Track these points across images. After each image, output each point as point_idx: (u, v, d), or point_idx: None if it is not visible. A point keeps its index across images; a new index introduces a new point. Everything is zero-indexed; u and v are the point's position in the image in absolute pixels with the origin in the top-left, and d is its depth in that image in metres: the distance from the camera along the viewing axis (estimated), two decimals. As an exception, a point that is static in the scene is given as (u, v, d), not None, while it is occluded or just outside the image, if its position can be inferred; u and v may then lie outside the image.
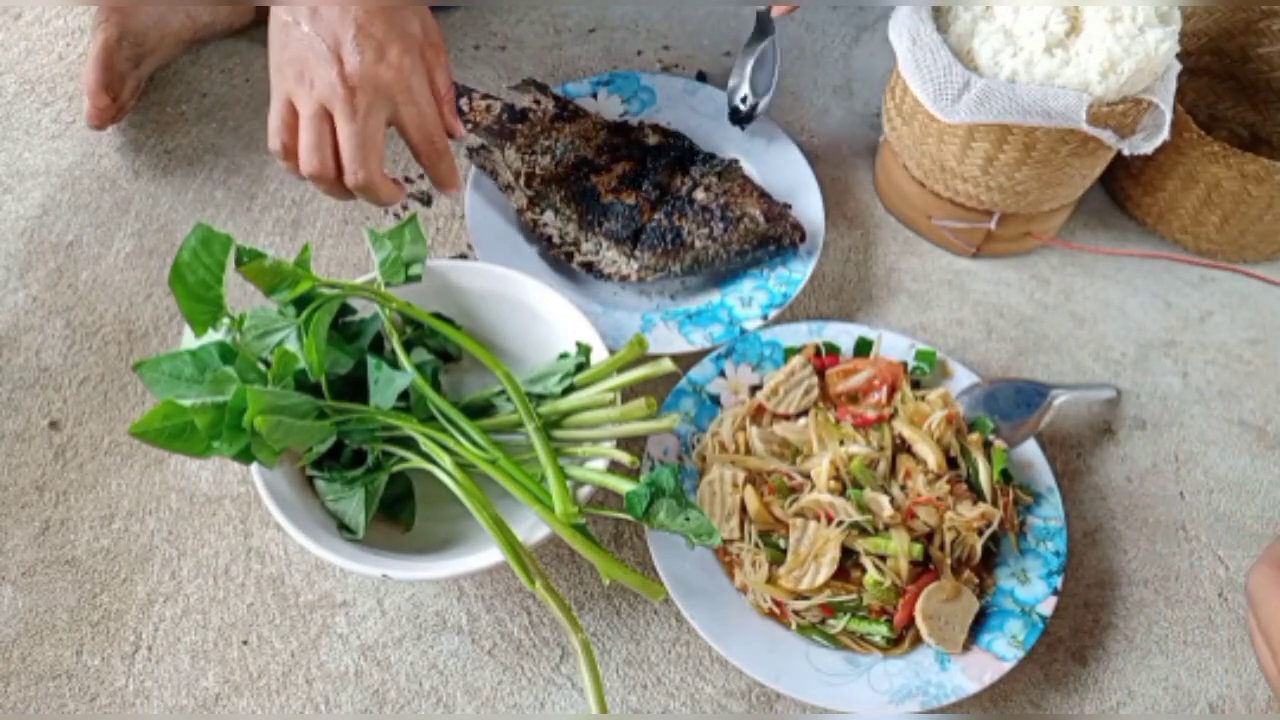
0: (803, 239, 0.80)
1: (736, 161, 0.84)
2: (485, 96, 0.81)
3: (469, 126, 0.80)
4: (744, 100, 0.85)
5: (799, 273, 0.80)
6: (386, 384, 0.62)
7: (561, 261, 0.80)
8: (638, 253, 0.78)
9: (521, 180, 0.79)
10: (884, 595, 0.64)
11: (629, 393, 0.63)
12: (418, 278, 0.67)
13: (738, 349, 0.76)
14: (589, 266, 0.79)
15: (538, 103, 0.82)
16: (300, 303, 0.61)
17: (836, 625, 0.65)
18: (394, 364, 0.65)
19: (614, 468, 0.62)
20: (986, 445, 0.72)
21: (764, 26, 0.86)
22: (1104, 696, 0.69)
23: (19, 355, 0.76)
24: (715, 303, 0.79)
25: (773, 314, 0.78)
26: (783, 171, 0.87)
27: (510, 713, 0.65)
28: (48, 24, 0.96)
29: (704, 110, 0.90)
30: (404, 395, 0.66)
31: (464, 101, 0.81)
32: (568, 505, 0.59)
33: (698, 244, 0.78)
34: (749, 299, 0.79)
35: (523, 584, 0.59)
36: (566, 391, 0.66)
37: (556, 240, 0.79)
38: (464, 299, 0.72)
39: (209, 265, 0.59)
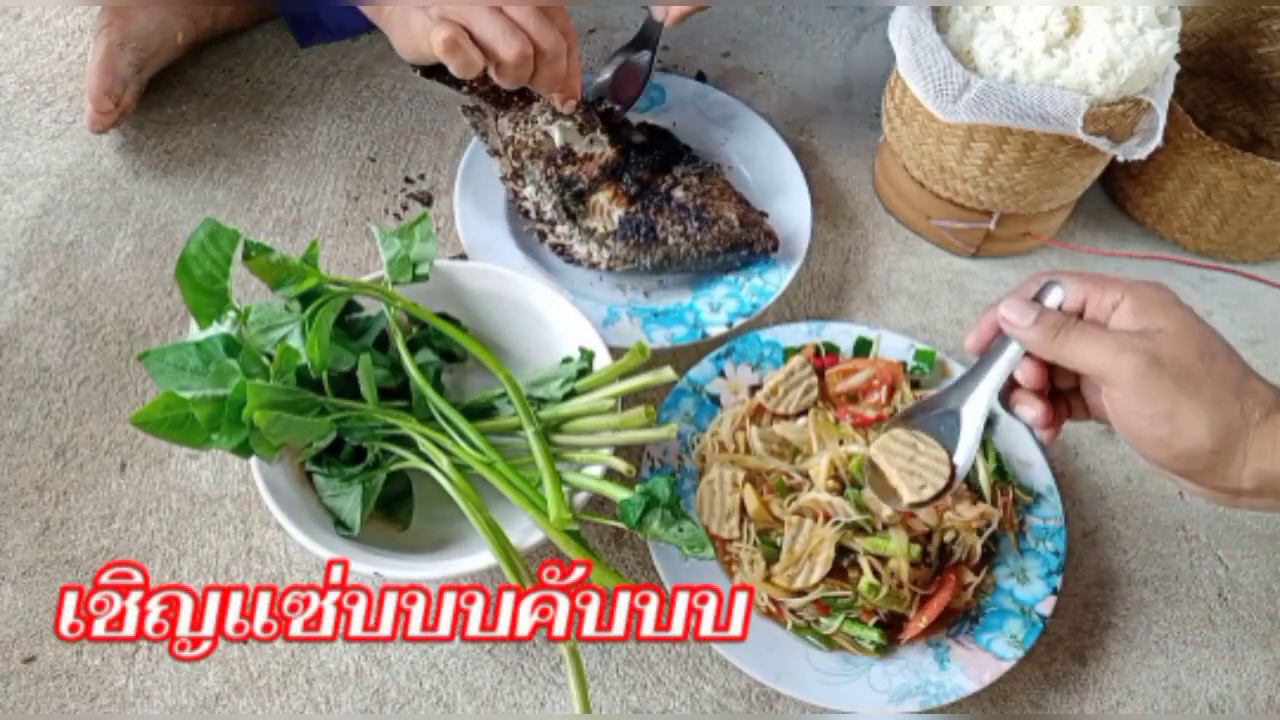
0: (775, 248, 0.80)
1: (719, 165, 0.84)
2: None
3: (465, 90, 0.79)
4: (600, 102, 0.83)
5: (773, 285, 0.80)
6: (366, 375, 0.63)
7: (536, 241, 0.80)
8: (609, 242, 0.78)
9: (509, 151, 0.80)
10: (884, 601, 0.64)
11: (631, 399, 0.63)
12: (425, 277, 0.67)
13: (737, 349, 0.76)
14: (561, 250, 0.79)
15: None
16: (306, 298, 0.61)
17: (830, 625, 0.65)
18: (397, 363, 0.65)
19: (611, 475, 0.62)
20: (984, 445, 0.72)
21: (646, 37, 0.85)
22: (1103, 696, 0.69)
23: (19, 355, 0.76)
24: (684, 304, 0.79)
25: (739, 323, 0.77)
26: (777, 177, 0.87)
27: (510, 712, 0.65)
28: (48, 24, 0.96)
29: (711, 115, 0.90)
30: (405, 394, 0.66)
31: None
32: (562, 511, 0.59)
33: (670, 240, 0.78)
34: (718, 305, 0.79)
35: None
36: (568, 396, 0.66)
37: (534, 216, 0.80)
38: (470, 300, 0.72)
39: (215, 259, 0.59)
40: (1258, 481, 0.52)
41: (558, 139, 0.79)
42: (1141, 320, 0.55)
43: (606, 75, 0.87)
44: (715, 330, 0.77)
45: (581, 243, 0.79)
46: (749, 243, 0.79)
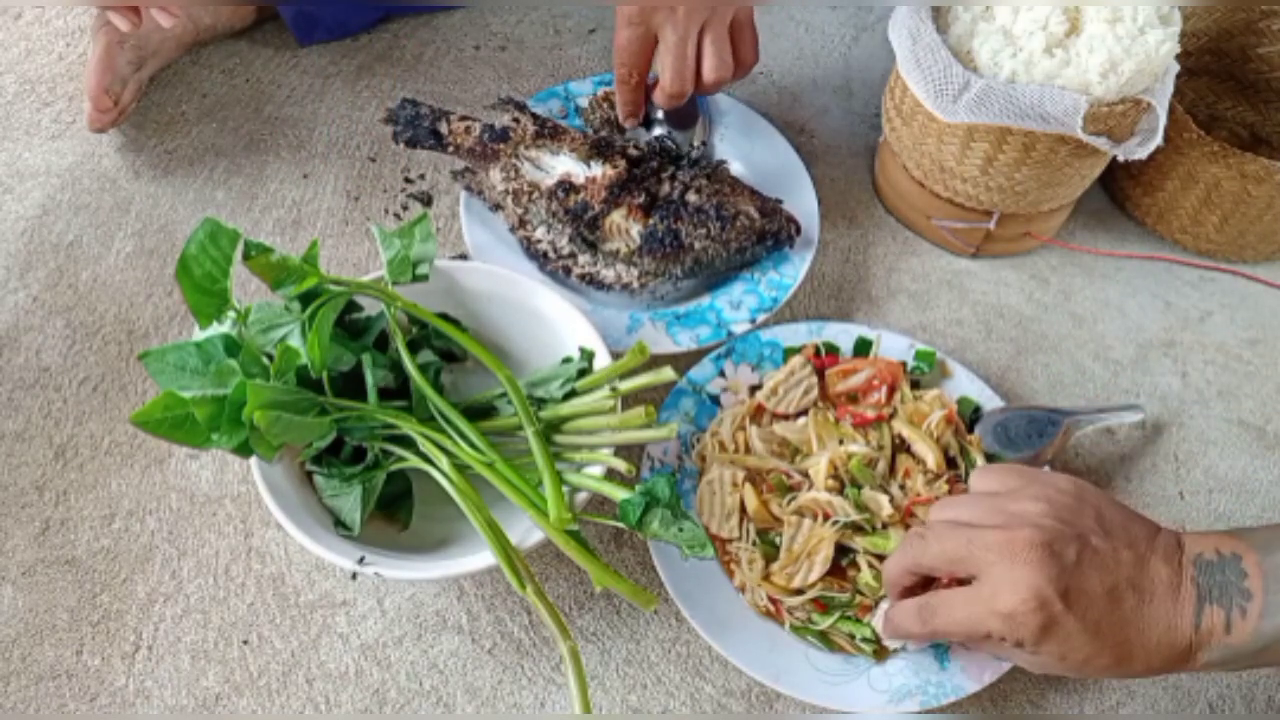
0: (798, 231, 0.80)
1: (724, 162, 0.84)
2: (464, 118, 0.80)
3: (450, 150, 0.80)
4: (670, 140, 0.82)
5: (790, 278, 0.80)
6: (369, 378, 0.63)
7: (560, 276, 0.79)
8: (637, 259, 0.78)
9: (510, 199, 0.79)
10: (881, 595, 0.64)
11: (631, 399, 0.63)
12: (425, 277, 0.67)
13: (737, 349, 0.76)
14: (590, 279, 0.79)
15: (517, 121, 0.81)
16: (306, 298, 0.61)
17: (824, 622, 0.65)
18: (397, 363, 0.65)
19: (611, 475, 0.62)
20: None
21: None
22: (1104, 696, 0.69)
23: (19, 355, 0.76)
24: (704, 305, 0.79)
25: (761, 318, 0.78)
26: (778, 174, 0.87)
27: (510, 712, 0.65)
28: (48, 24, 0.96)
29: (703, 111, 0.90)
30: (405, 394, 0.66)
31: (443, 124, 0.80)
32: (562, 511, 0.59)
33: (697, 245, 0.78)
34: (739, 302, 0.79)
35: (523, 584, 0.59)
36: (568, 396, 0.66)
37: (552, 255, 0.79)
38: (470, 300, 0.72)
39: (216, 258, 0.59)
40: (1218, 657, 0.53)
41: (558, 171, 0.79)
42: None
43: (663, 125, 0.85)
44: (740, 327, 0.77)
45: (607, 266, 0.78)
46: (774, 232, 0.79)
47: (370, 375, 0.63)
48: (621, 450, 0.64)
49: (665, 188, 0.80)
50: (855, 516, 0.65)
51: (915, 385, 0.75)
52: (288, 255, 0.60)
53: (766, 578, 0.66)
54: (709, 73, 0.76)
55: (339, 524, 0.63)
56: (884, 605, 0.64)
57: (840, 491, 0.67)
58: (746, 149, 0.88)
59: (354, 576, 0.57)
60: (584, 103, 0.88)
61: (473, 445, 0.62)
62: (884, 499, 0.66)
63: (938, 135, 0.79)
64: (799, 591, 0.65)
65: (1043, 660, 0.53)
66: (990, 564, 0.53)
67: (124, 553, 0.69)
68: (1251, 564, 0.52)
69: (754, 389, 0.75)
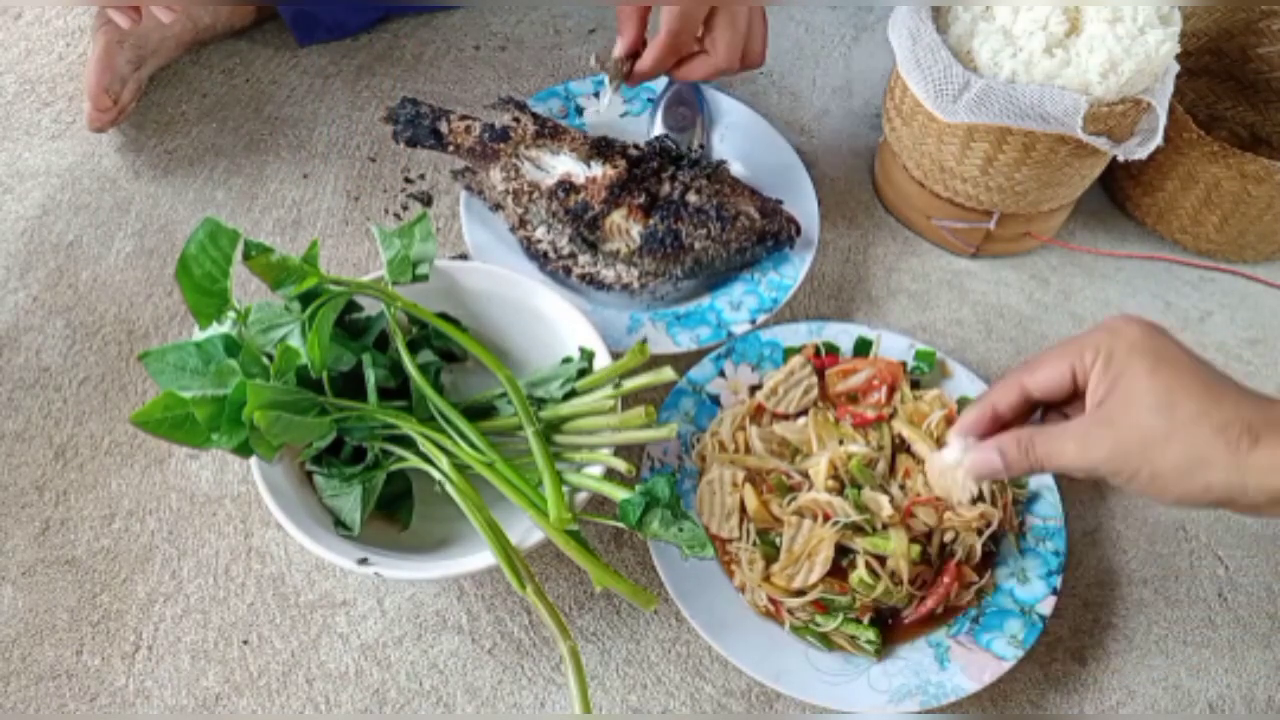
0: (798, 232, 0.80)
1: (724, 162, 0.84)
2: (464, 118, 0.80)
3: (450, 149, 0.80)
4: (671, 141, 0.82)
5: (790, 278, 0.80)
6: (369, 378, 0.63)
7: (561, 276, 0.79)
8: (637, 259, 0.78)
9: (510, 199, 0.79)
10: (882, 595, 0.64)
11: (631, 399, 0.63)
12: (425, 277, 0.67)
13: (737, 349, 0.76)
14: (589, 279, 0.79)
15: (517, 120, 0.81)
16: (306, 298, 0.61)
17: (827, 625, 0.65)
18: (397, 363, 0.65)
19: (611, 475, 0.62)
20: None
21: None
22: (1103, 696, 0.69)
23: (19, 355, 0.76)
24: (704, 305, 0.79)
25: (761, 319, 0.78)
26: (778, 174, 0.87)
27: (510, 712, 0.65)
28: (48, 24, 0.96)
29: (701, 111, 0.90)
30: (405, 394, 0.66)
31: (443, 124, 0.80)
32: (562, 511, 0.59)
33: (697, 245, 0.78)
34: (739, 303, 0.79)
35: (522, 584, 0.59)
36: (568, 396, 0.66)
37: (552, 255, 0.79)
38: (470, 300, 0.72)
39: (215, 259, 0.59)
40: (1270, 496, 0.51)
41: (558, 171, 0.79)
42: (1098, 393, 0.55)
43: (659, 115, 0.86)
44: (740, 328, 0.77)
45: (608, 266, 0.78)
46: (774, 232, 0.79)
47: (370, 375, 0.63)
48: (621, 450, 0.64)
49: (665, 188, 0.80)
50: (855, 517, 0.65)
51: (915, 385, 0.75)
52: (288, 255, 0.60)
53: (767, 578, 0.66)
54: (754, 57, 0.78)
55: (339, 524, 0.63)
56: (944, 450, 0.60)
57: (840, 492, 0.67)
58: (746, 149, 0.88)
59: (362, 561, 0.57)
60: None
61: (473, 445, 0.62)
62: (884, 499, 0.66)
63: (938, 135, 0.79)
64: (799, 593, 0.65)
65: (1137, 383, 0.52)
66: (1094, 331, 0.55)
67: (124, 553, 0.69)
68: None
69: (754, 389, 0.75)
